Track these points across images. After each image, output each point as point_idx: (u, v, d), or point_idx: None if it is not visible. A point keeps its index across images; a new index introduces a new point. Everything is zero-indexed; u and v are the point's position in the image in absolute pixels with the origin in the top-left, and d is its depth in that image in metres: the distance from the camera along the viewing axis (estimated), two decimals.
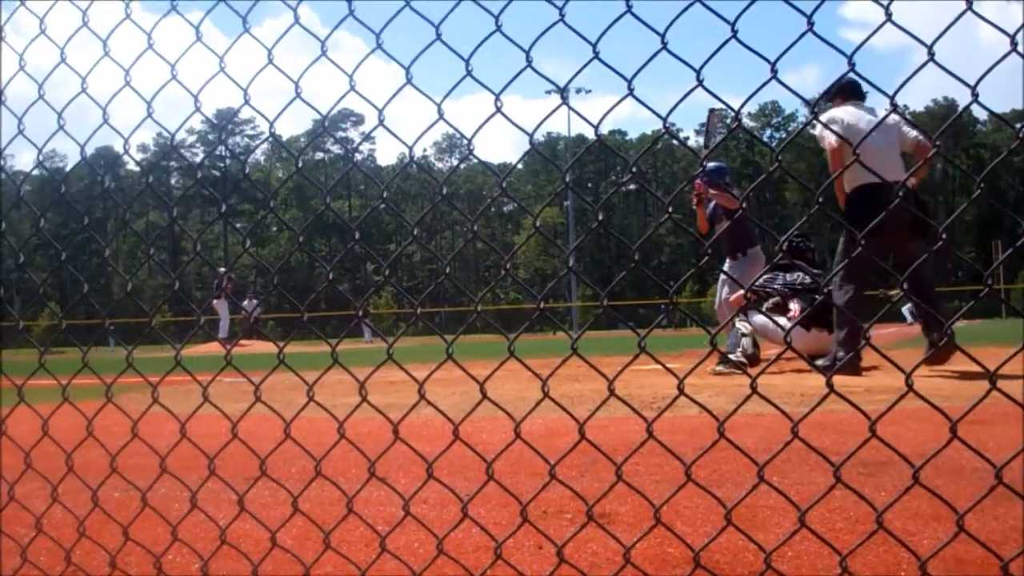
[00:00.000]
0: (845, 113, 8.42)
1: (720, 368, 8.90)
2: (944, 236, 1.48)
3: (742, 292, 10.04)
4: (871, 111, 8.58)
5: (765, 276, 10.05)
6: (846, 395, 1.49)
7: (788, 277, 9.93)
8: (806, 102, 1.46)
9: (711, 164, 10.92)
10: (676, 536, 1.72)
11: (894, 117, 7.99)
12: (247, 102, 2.00)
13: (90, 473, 2.50)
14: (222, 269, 31.73)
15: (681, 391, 1.57)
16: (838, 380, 1.50)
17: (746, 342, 9.57)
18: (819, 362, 8.38)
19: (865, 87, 8.38)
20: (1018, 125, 1.32)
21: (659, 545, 2.52)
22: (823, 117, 8.35)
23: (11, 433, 2.48)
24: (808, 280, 9.85)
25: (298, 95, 1.90)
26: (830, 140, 8.22)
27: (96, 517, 2.48)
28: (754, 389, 1.52)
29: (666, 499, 1.73)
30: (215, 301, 27.66)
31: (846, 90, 8.57)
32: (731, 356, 9.01)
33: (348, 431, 1.95)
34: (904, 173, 8.14)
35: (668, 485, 3.29)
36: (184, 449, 2.24)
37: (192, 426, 2.16)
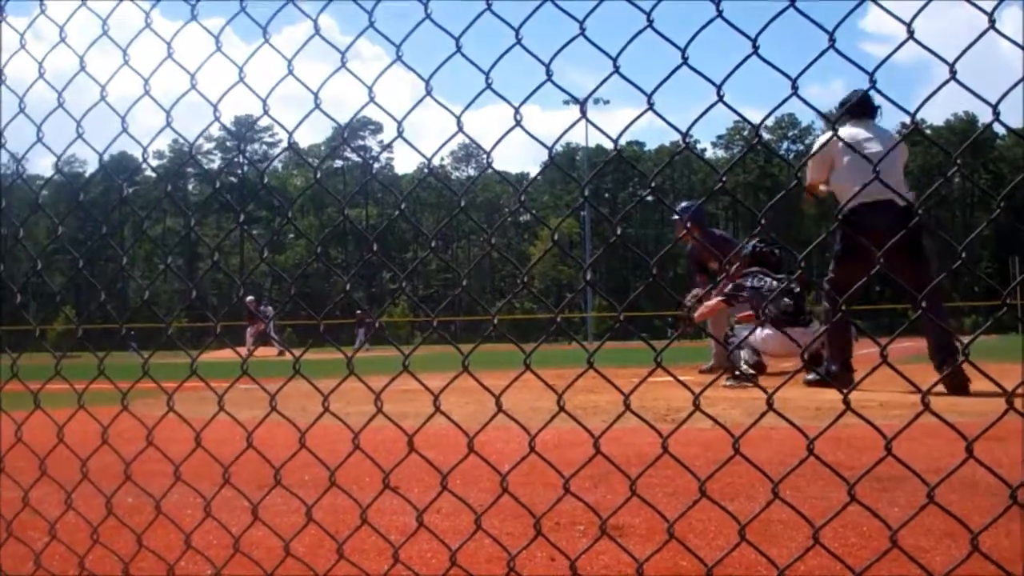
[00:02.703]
0: (843, 133, 8.23)
1: (731, 383, 8.89)
2: (964, 255, 1.48)
3: (714, 302, 10.26)
4: (876, 131, 8.47)
5: (733, 284, 10.20)
6: (861, 411, 1.48)
7: (757, 284, 10.00)
8: (825, 118, 1.46)
9: (685, 203, 11.25)
10: (689, 551, 1.72)
11: (895, 134, 8.06)
12: (266, 112, 2.01)
13: (104, 479, 2.50)
14: (251, 298, 31.41)
15: (697, 407, 1.57)
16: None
17: (746, 354, 9.60)
18: (808, 377, 8.33)
19: (878, 101, 8.36)
20: None
21: (672, 559, 2.51)
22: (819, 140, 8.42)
23: (26, 439, 2.49)
24: (776, 285, 9.93)
25: (317, 106, 1.91)
26: (810, 174, 8.44)
27: (110, 523, 2.49)
28: (770, 406, 1.52)
29: (680, 514, 1.73)
30: (249, 330, 27.56)
31: (852, 110, 8.54)
32: (739, 370, 9.02)
33: (362, 439, 1.95)
34: (906, 192, 8.08)
35: (681, 498, 3.28)
36: (198, 456, 2.24)
37: (207, 433, 2.17)
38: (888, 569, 2.37)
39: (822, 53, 1.47)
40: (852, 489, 1.43)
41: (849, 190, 7.99)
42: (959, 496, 3.18)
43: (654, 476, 3.68)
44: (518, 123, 1.65)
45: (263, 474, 2.28)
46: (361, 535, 2.66)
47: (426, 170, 1.81)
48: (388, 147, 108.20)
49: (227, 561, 2.27)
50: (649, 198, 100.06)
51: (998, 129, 1.39)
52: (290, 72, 1.96)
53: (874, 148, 8.10)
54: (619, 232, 1.62)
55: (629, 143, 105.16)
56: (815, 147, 8.26)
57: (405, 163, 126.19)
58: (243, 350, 27.94)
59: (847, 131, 8.33)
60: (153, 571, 2.46)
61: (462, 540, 2.13)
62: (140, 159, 2.26)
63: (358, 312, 44.18)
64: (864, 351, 8.57)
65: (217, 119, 2.07)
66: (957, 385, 7.27)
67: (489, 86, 1.68)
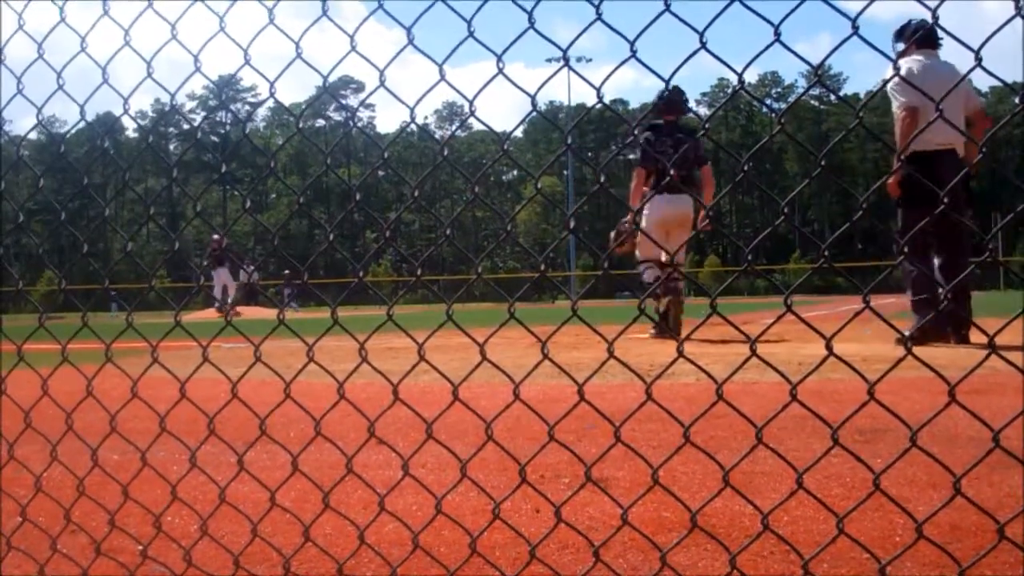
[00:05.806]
0: (916, 64, 7.55)
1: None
2: (947, 200, 1.48)
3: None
4: (946, 65, 7.63)
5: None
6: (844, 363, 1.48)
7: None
8: (811, 66, 1.46)
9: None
10: (674, 497, 1.73)
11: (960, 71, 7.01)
12: (247, 62, 1.99)
13: (90, 434, 2.50)
14: (215, 236, 30.80)
15: (680, 353, 1.57)
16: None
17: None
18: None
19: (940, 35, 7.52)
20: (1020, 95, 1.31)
21: (655, 509, 2.53)
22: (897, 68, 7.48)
23: (11, 394, 2.48)
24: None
25: (299, 55, 1.89)
26: (903, 99, 7.43)
27: (96, 477, 2.49)
28: (754, 352, 1.52)
29: (664, 460, 1.74)
30: (213, 271, 27.04)
31: (920, 38, 7.65)
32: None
33: (347, 396, 1.95)
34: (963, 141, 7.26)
35: (665, 451, 3.30)
36: (183, 411, 2.24)
37: (191, 389, 2.16)
38: (871, 519, 2.40)
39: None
40: (835, 434, 1.44)
41: (905, 134, 7.28)
42: (941, 448, 3.20)
43: (638, 430, 3.71)
44: (500, 71, 1.64)
45: (249, 430, 2.28)
46: (347, 488, 2.68)
47: (409, 120, 1.80)
48: (369, 104, 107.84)
49: (213, 512, 2.28)
50: (632, 156, 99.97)
51: (979, 86, 1.39)
52: (271, 21, 1.95)
53: (934, 83, 7.16)
54: (602, 180, 1.62)
55: (613, 101, 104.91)
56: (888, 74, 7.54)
57: (387, 123, 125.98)
58: (216, 290, 27.50)
59: (918, 61, 7.56)
60: (139, 524, 2.47)
61: (446, 490, 2.14)
62: (122, 111, 2.24)
63: (285, 272, 43.43)
64: (847, 307, 8.59)
65: (198, 69, 2.05)
66: (959, 326, 7.38)
67: (471, 34, 1.67)
